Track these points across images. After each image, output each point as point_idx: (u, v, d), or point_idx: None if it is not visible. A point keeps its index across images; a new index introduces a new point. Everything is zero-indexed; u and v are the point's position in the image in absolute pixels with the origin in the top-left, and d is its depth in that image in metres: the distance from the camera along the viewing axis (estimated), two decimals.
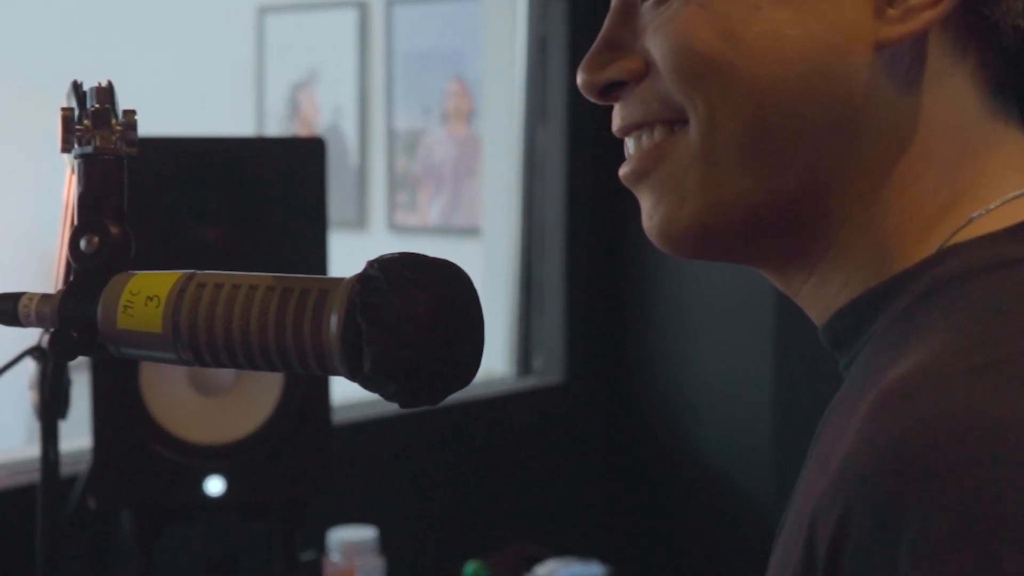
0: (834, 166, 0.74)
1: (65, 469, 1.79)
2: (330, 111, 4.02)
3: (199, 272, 0.77)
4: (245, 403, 1.63)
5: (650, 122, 0.78)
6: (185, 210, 1.58)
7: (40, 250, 4.38)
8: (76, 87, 0.85)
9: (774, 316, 2.48)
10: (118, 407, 1.58)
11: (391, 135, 3.89)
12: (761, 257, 0.80)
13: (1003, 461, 0.57)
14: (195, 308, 0.75)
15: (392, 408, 2.38)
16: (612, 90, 0.79)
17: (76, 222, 0.80)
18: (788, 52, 0.73)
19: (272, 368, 0.76)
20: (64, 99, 0.85)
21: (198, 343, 0.75)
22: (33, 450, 1.89)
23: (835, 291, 0.77)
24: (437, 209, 3.81)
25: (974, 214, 0.73)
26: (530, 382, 2.74)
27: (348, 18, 3.93)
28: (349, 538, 2.01)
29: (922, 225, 0.74)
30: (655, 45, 0.76)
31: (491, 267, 2.84)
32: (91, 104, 0.82)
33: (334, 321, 0.72)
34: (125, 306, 0.77)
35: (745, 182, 0.75)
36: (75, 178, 0.81)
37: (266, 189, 1.61)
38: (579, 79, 0.80)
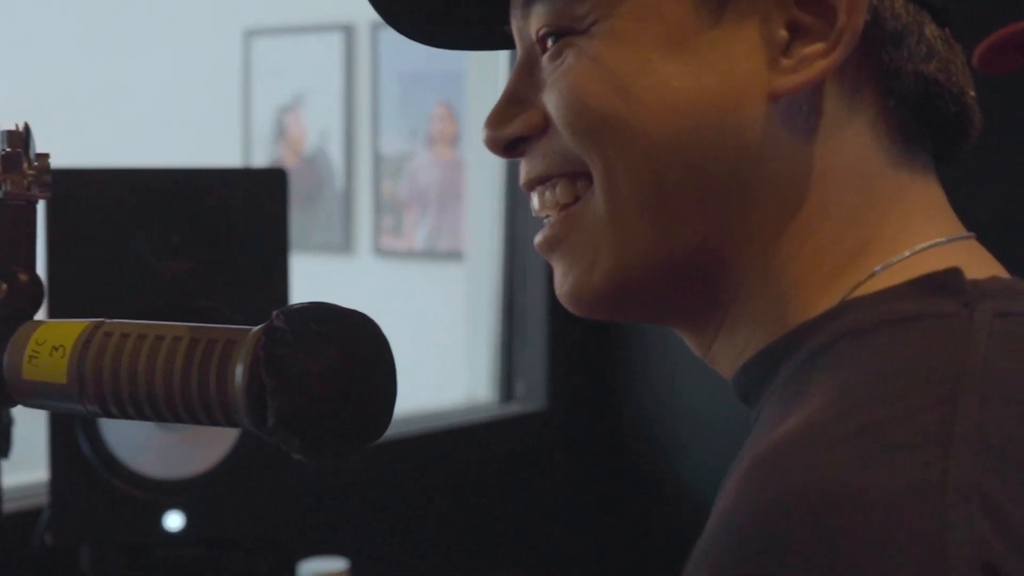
0: (733, 218, 0.73)
1: (30, 502, 1.78)
2: (316, 134, 4.01)
3: (107, 321, 0.75)
4: (205, 437, 1.61)
5: (552, 176, 0.77)
6: (146, 242, 1.57)
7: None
8: None
9: None
10: (76, 442, 1.56)
11: (377, 158, 3.88)
12: (672, 315, 0.79)
13: (859, 533, 0.55)
14: (100, 359, 0.74)
15: None
16: (517, 145, 0.78)
17: None
18: (680, 105, 0.72)
19: (179, 420, 0.74)
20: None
21: (103, 395, 0.74)
22: None
23: (741, 346, 0.76)
24: (422, 233, 3.80)
25: (877, 267, 0.70)
26: (512, 408, 2.72)
27: (334, 41, 3.92)
28: (319, 570, 1.99)
29: (824, 277, 0.72)
30: (549, 100, 0.75)
31: (474, 292, 2.82)
32: (2, 148, 0.80)
33: (239, 373, 0.70)
34: (31, 356, 0.75)
35: (648, 237, 0.74)
36: None
37: (227, 220, 1.60)
38: (483, 135, 0.79)
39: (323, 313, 0.70)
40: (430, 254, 3.72)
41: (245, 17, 4.12)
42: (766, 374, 0.72)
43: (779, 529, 0.56)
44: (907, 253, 0.71)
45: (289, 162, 4.05)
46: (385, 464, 2.37)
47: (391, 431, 2.32)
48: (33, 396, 0.76)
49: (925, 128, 0.73)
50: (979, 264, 0.71)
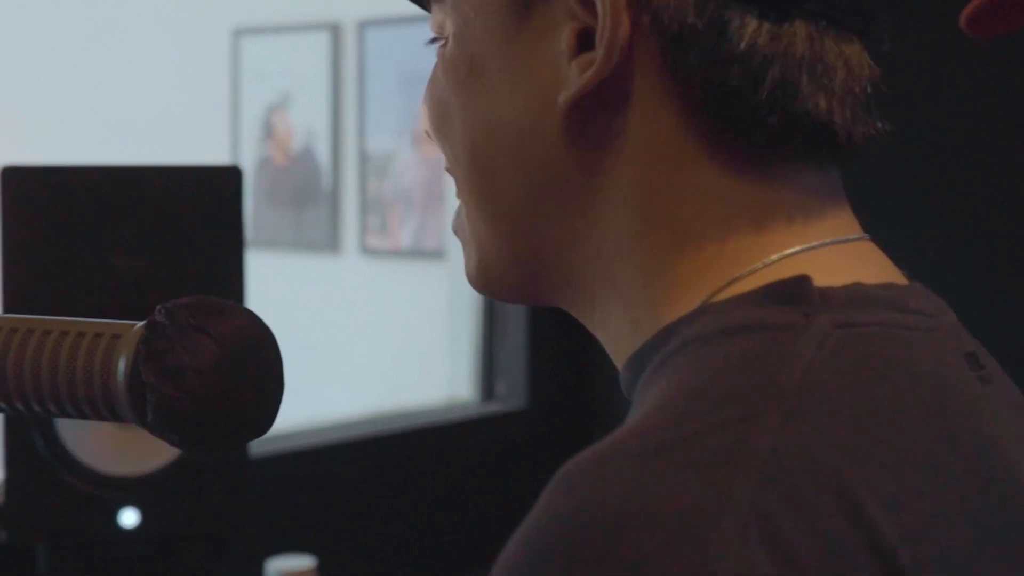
0: (556, 226, 0.73)
1: None
2: (304, 133, 4.01)
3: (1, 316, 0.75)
4: None
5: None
6: (101, 239, 1.57)
7: None
8: None
9: None
10: (30, 439, 1.56)
11: (363, 158, 3.88)
12: (549, 304, 0.80)
13: (624, 555, 0.54)
14: None
15: (351, 433, 2.38)
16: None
17: None
18: (491, 120, 0.73)
19: (66, 415, 0.74)
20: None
21: None
22: None
23: (613, 345, 0.75)
24: (408, 232, 3.80)
25: (740, 273, 0.68)
26: (493, 407, 2.72)
27: (321, 40, 3.92)
28: (287, 568, 1.99)
29: (681, 280, 0.70)
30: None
31: (456, 291, 2.82)
32: None
33: (121, 367, 0.70)
34: None
35: (490, 241, 0.76)
36: None
37: (183, 218, 1.60)
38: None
39: (206, 308, 0.70)
40: (416, 253, 3.72)
41: (233, 16, 4.13)
42: (635, 378, 0.71)
43: (548, 547, 0.56)
44: (774, 257, 0.68)
45: (277, 161, 4.05)
46: (364, 462, 2.38)
47: (373, 428, 2.31)
48: None
49: (745, 136, 0.68)
50: (850, 269, 0.68)
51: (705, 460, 0.56)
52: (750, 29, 0.66)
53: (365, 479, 2.36)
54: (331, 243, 3.83)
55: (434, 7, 0.78)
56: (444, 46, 0.76)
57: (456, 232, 0.81)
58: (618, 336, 0.74)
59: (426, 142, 3.83)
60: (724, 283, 0.68)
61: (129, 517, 1.59)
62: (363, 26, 3.80)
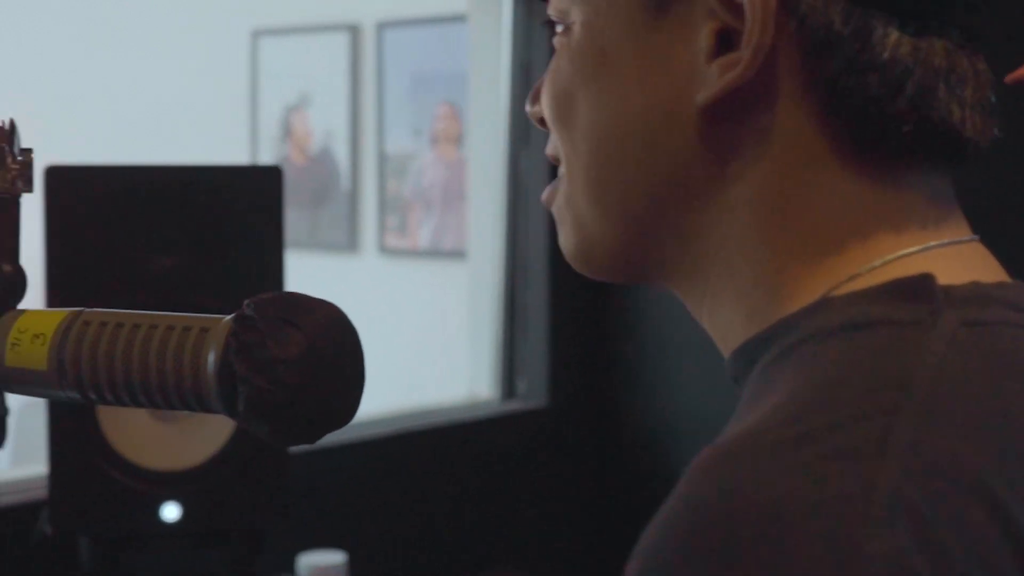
0: (679, 217, 0.75)
1: (30, 495, 1.80)
2: (322, 134, 4.03)
3: (86, 310, 0.78)
4: (202, 429, 1.64)
5: (552, 159, 0.83)
6: (143, 238, 1.59)
7: (39, 265, 4.42)
8: None
9: None
10: (75, 434, 1.59)
11: (382, 158, 3.90)
12: (651, 283, 0.82)
13: (774, 543, 0.56)
14: (79, 346, 0.76)
15: (374, 431, 2.40)
16: (543, 123, 0.83)
17: None
18: (619, 116, 0.75)
19: (155, 406, 0.76)
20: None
21: (82, 381, 0.76)
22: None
23: (723, 329, 0.77)
24: (427, 232, 3.82)
25: (861, 269, 0.70)
26: (514, 405, 2.74)
27: (340, 41, 3.94)
28: (318, 563, 2.01)
29: (801, 274, 0.72)
30: (542, 95, 0.81)
31: (476, 290, 2.84)
32: None
33: (211, 361, 0.73)
34: (13, 344, 0.78)
35: (599, 227, 0.78)
36: None
37: (223, 217, 1.62)
38: (526, 106, 0.84)
39: (292, 302, 0.72)
40: (434, 253, 3.74)
41: (252, 17, 4.15)
42: (750, 363, 0.73)
43: (695, 533, 0.58)
44: (881, 261, 0.70)
45: (296, 161, 4.07)
46: (387, 459, 2.40)
47: (395, 426, 2.33)
48: (14, 383, 0.78)
49: (877, 142, 0.70)
50: (967, 269, 0.70)
51: (849, 451, 0.58)
52: (892, 39, 0.68)
53: (387, 476, 2.38)
54: (350, 243, 3.85)
55: None
56: (564, 33, 0.78)
57: (551, 209, 0.83)
58: (729, 325, 0.76)
59: (444, 143, 3.88)
60: (843, 279, 0.70)
61: (171, 511, 1.61)
62: (381, 27, 3.82)
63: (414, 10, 3.72)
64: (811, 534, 0.55)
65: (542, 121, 0.83)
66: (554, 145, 0.81)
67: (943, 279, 0.68)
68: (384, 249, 3.83)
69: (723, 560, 0.56)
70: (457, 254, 3.52)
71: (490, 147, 2.78)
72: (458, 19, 3.58)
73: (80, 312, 0.77)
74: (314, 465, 2.26)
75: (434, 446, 2.51)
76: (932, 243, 0.71)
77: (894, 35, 0.69)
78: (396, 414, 2.57)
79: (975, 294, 0.68)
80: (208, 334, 0.74)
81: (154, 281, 1.58)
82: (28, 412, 3.85)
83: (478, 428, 2.63)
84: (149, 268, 1.59)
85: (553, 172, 2.60)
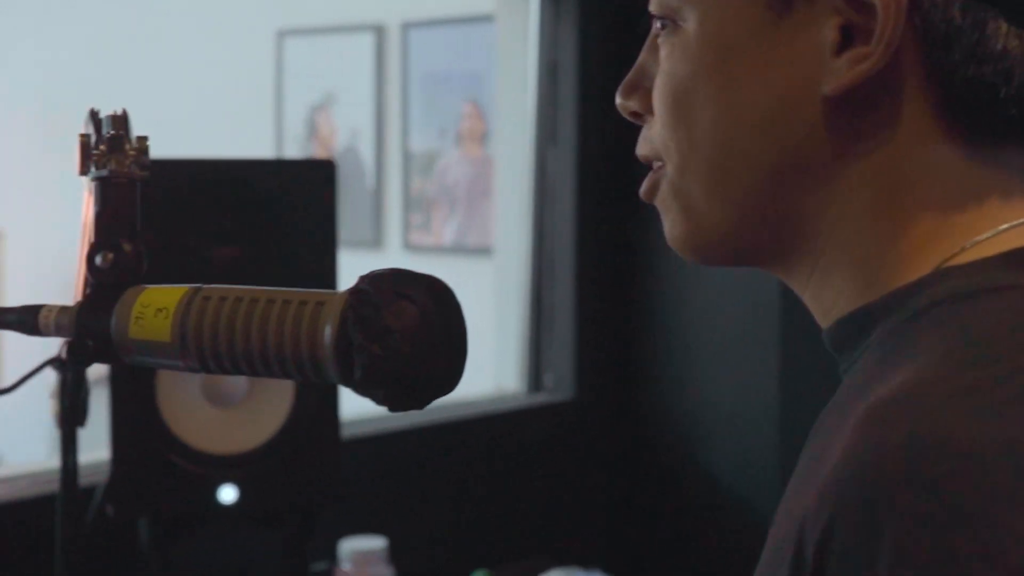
0: (799, 199, 0.81)
1: (84, 480, 1.86)
2: (347, 132, 4.08)
3: (205, 286, 0.83)
4: (257, 414, 1.69)
5: (653, 158, 0.88)
6: (200, 229, 1.65)
7: (65, 270, 4.47)
8: (93, 115, 0.91)
9: (779, 335, 2.53)
10: (136, 419, 1.64)
11: (407, 156, 3.95)
12: (760, 266, 0.88)
13: (971, 479, 0.62)
14: (200, 319, 0.81)
15: (404, 421, 2.44)
16: (637, 116, 0.89)
17: (93, 240, 0.86)
18: (745, 107, 0.81)
19: (270, 375, 0.82)
20: (82, 125, 0.91)
21: (203, 352, 0.81)
22: (52, 463, 1.96)
23: (830, 301, 0.84)
24: (451, 229, 3.87)
25: (968, 242, 0.77)
26: (540, 398, 2.79)
27: (365, 41, 3.99)
28: (360, 548, 2.07)
29: (912, 249, 0.79)
30: (655, 90, 0.85)
31: (503, 286, 2.89)
32: (107, 131, 0.88)
33: (328, 332, 0.78)
34: (137, 317, 0.83)
35: (714, 214, 0.84)
36: (91, 199, 0.87)
37: (279, 209, 1.67)
38: (616, 99, 0.89)
39: (405, 277, 0.78)
40: (458, 249, 3.79)
41: (278, 18, 4.20)
42: (863, 329, 0.80)
43: (896, 473, 0.64)
44: (994, 232, 0.78)
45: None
46: (419, 450, 2.45)
47: (424, 418, 2.37)
48: (137, 354, 0.84)
49: (988, 126, 0.78)
50: None
51: (1017, 399, 0.65)
52: (1003, 31, 0.76)
53: (417, 467, 2.43)
54: (374, 240, 3.91)
55: None
56: (673, 31, 0.83)
57: (653, 201, 0.89)
58: (838, 298, 0.83)
59: (469, 141, 3.93)
60: (956, 251, 0.78)
61: (228, 493, 1.66)
62: (407, 27, 3.88)
63: (438, 11, 3.77)
64: (1009, 469, 0.62)
65: (634, 115, 0.89)
66: (653, 142, 0.86)
67: None
68: (408, 246, 3.89)
69: (931, 495, 0.62)
70: (481, 251, 3.57)
71: (517, 145, 2.83)
72: (481, 19, 3.63)
73: (199, 288, 0.83)
74: (350, 454, 2.31)
75: (463, 438, 2.55)
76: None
77: (1004, 28, 0.76)
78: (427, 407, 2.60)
79: None
80: (324, 307, 0.79)
81: (215, 270, 1.63)
82: None
83: (506, 420, 2.68)
84: (210, 258, 1.64)
85: (582, 170, 2.66)
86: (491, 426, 2.63)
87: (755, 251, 0.87)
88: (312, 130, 4.15)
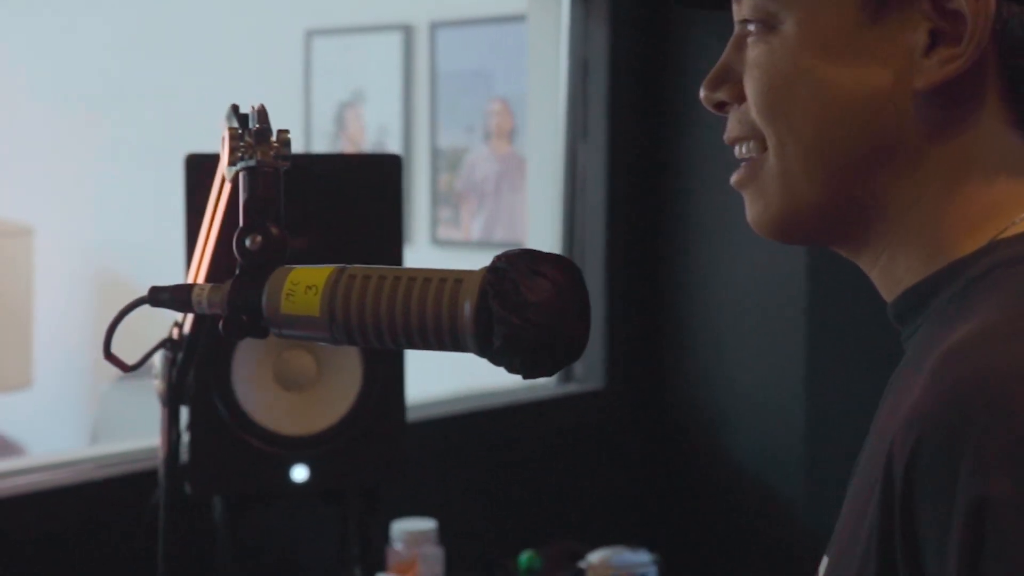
0: (885, 182, 0.93)
1: (153, 463, 1.94)
2: (375, 129, 4.15)
3: (349, 266, 0.92)
4: (326, 398, 1.77)
5: (744, 139, 0.99)
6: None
7: (96, 262, 4.54)
8: (235, 109, 0.99)
9: (806, 326, 2.61)
10: (212, 401, 1.71)
11: (434, 153, 4.03)
12: (835, 244, 1.00)
13: None
14: (348, 295, 0.90)
15: (446, 410, 2.52)
16: (722, 106, 1.00)
17: (242, 224, 0.94)
18: (841, 98, 0.92)
19: (411, 346, 0.90)
20: (223, 120, 0.99)
21: (351, 325, 0.90)
22: (120, 446, 2.04)
23: (900, 275, 0.95)
24: (479, 224, 3.95)
25: (1016, 218, 0.90)
26: (571, 388, 2.86)
27: (393, 40, 4.07)
28: (411, 529, 2.14)
29: (971, 225, 0.91)
30: (748, 82, 0.96)
31: None
32: (252, 124, 0.96)
33: (468, 306, 0.87)
34: (288, 294, 0.92)
35: (811, 193, 0.95)
36: (241, 187, 0.95)
37: (347, 201, 1.75)
38: (701, 93, 1.01)
39: (537, 256, 0.87)
40: (486, 243, 3.88)
41: (307, 18, 4.28)
42: (924, 299, 0.92)
43: (973, 397, 0.76)
44: None
45: (357, 152, 4.18)
46: (461, 437, 2.52)
47: (457, 407, 2.43)
48: (289, 327, 0.92)
49: None
50: None
51: None
52: None
53: (454, 454, 2.50)
54: (403, 234, 3.97)
55: None
56: (769, 31, 0.94)
57: (742, 186, 1.00)
58: (906, 272, 0.94)
59: (497, 137, 4.02)
60: (1007, 225, 0.90)
61: (300, 473, 1.74)
62: (435, 26, 3.96)
63: (466, 11, 3.85)
64: None
65: (719, 105, 1.00)
66: (745, 128, 0.97)
67: None
68: (437, 240, 3.97)
69: (1007, 416, 0.75)
70: (509, 245, 3.64)
71: (548, 141, 2.91)
72: (509, 19, 3.71)
73: (344, 267, 0.91)
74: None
75: (497, 426, 2.62)
76: None
77: None
78: (456, 396, 2.68)
79: None
80: (463, 284, 0.87)
81: (287, 260, 1.71)
82: (109, 396, 3.98)
83: (538, 409, 2.75)
84: None
85: (613, 165, 2.74)
86: (524, 414, 2.70)
87: (837, 230, 0.98)
88: (341, 127, 4.22)
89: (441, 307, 0.87)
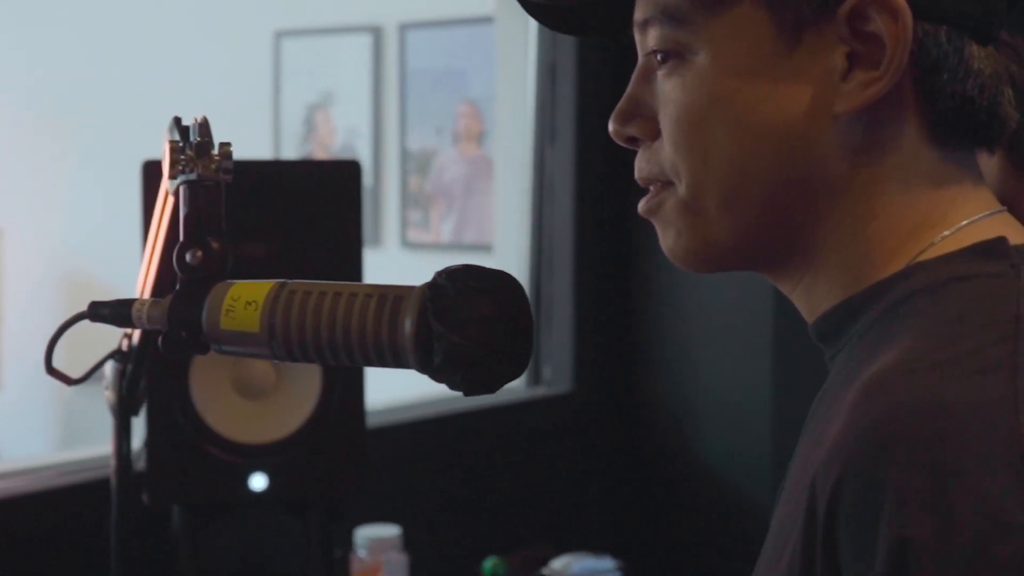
0: (803, 211, 0.91)
1: (99, 472, 1.92)
2: (345, 132, 4.14)
3: (290, 281, 0.91)
4: (285, 405, 1.75)
5: (653, 181, 0.96)
6: (232, 227, 1.70)
7: (64, 268, 4.52)
8: (177, 122, 0.98)
9: (772, 330, 2.61)
10: (170, 410, 1.70)
11: (404, 155, 4.02)
12: (754, 269, 0.98)
13: (955, 435, 0.73)
14: (288, 311, 0.89)
15: (412, 414, 2.51)
16: (634, 141, 0.97)
17: (182, 239, 0.93)
18: (760, 128, 0.90)
19: (352, 362, 0.89)
20: (166, 132, 0.98)
21: (290, 342, 0.89)
22: (93, 450, 2.03)
23: (819, 298, 0.94)
24: (448, 227, 3.94)
25: (936, 238, 0.89)
26: (540, 391, 2.85)
27: (363, 42, 4.06)
28: (375, 536, 2.13)
29: (890, 248, 0.90)
30: (663, 118, 0.94)
31: None
32: (194, 137, 0.95)
33: (408, 323, 0.86)
34: (227, 310, 0.91)
35: (724, 229, 0.93)
36: (182, 201, 0.94)
37: (305, 208, 1.74)
38: (610, 127, 0.98)
39: (479, 272, 0.86)
40: (456, 246, 3.87)
41: (276, 19, 4.26)
42: (844, 321, 0.91)
43: (894, 432, 0.74)
44: (955, 228, 0.89)
45: (318, 158, 4.18)
46: (427, 442, 2.50)
47: (426, 411, 2.42)
48: (228, 343, 0.91)
49: (962, 132, 0.90)
50: (1014, 232, 0.89)
51: (988, 367, 0.76)
52: (975, 53, 0.89)
53: (419, 459, 2.48)
54: (373, 237, 3.97)
55: (659, 26, 0.92)
56: (682, 64, 0.91)
57: (649, 215, 0.97)
58: (826, 295, 0.93)
59: (466, 140, 4.01)
60: (925, 246, 0.89)
61: (259, 481, 1.72)
62: (404, 28, 3.95)
63: (435, 12, 3.85)
64: (981, 425, 0.73)
65: (630, 140, 0.97)
66: (659, 164, 0.94)
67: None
68: (407, 243, 3.96)
69: (927, 449, 0.73)
70: (478, 247, 3.65)
71: (516, 143, 2.90)
72: (477, 21, 3.70)
73: (285, 283, 0.90)
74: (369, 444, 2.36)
75: (464, 430, 2.61)
76: (983, 213, 0.90)
77: (975, 49, 0.89)
78: (425, 400, 2.67)
79: None
80: (403, 301, 0.86)
81: (244, 267, 1.69)
82: (75, 400, 3.95)
83: (506, 412, 2.74)
84: (237, 256, 1.69)
85: (581, 168, 2.73)
86: (491, 418, 2.69)
87: (756, 259, 0.96)
88: (310, 129, 4.21)
89: (381, 324, 0.87)
